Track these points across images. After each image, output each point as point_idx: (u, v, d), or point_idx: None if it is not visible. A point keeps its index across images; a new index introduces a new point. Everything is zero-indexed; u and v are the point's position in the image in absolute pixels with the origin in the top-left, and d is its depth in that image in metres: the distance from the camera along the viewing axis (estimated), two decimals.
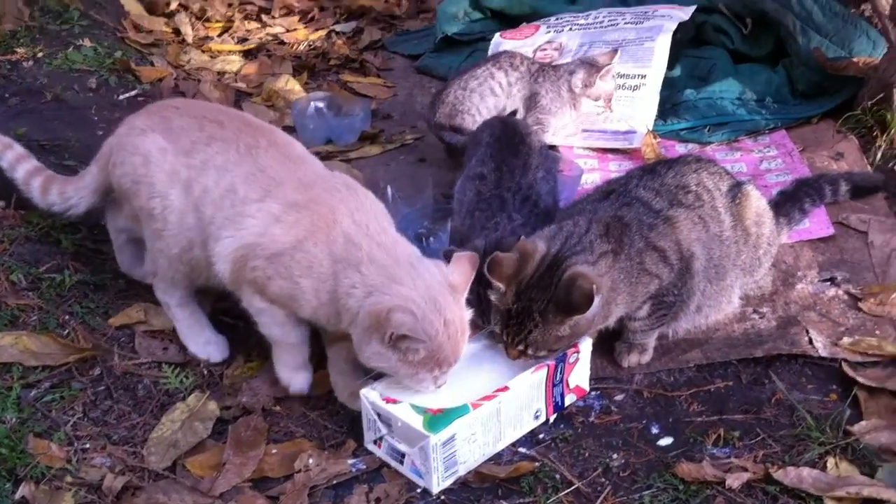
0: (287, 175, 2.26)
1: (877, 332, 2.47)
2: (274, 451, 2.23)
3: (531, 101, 3.54)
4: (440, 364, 2.08)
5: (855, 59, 3.51)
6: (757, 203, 2.53)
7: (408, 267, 2.11)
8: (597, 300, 2.11)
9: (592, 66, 3.57)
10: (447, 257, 2.21)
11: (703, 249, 2.39)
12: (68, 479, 2.12)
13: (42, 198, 2.68)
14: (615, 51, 3.62)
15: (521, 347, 2.19)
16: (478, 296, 2.26)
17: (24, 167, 2.72)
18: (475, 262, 2.18)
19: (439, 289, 2.09)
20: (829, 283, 2.68)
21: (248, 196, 2.22)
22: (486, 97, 3.49)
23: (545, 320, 2.15)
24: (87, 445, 2.22)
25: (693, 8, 3.95)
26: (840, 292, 2.63)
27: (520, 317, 2.16)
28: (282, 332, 2.32)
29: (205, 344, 2.54)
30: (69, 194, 2.65)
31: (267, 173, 2.25)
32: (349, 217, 2.17)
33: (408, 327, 1.99)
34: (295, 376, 2.37)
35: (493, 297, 2.22)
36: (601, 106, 3.60)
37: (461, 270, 2.15)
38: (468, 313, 2.16)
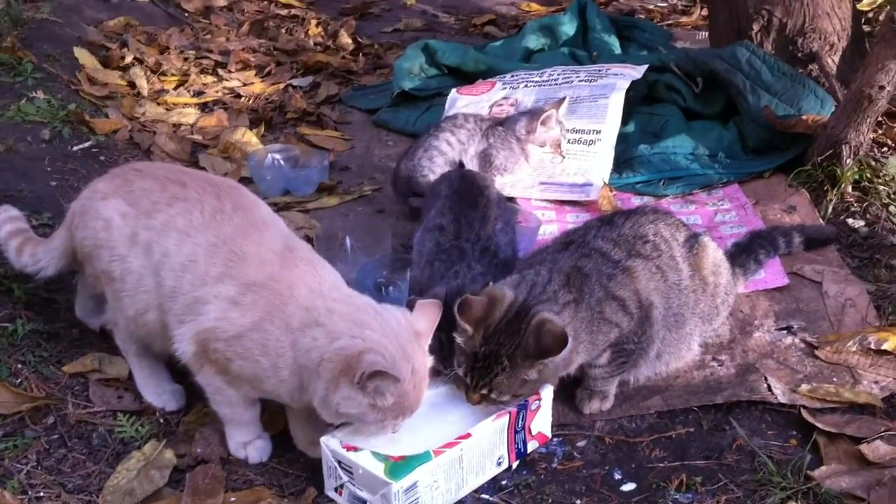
0: (249, 248, 2.21)
1: (834, 379, 2.51)
2: (233, 499, 2.18)
3: (485, 161, 3.58)
4: (404, 412, 2.08)
5: (804, 117, 3.59)
6: (714, 254, 2.57)
7: (373, 314, 2.11)
8: (569, 343, 2.12)
9: (534, 113, 3.64)
10: (411, 308, 2.20)
11: (662, 298, 2.42)
12: None
13: (17, 258, 2.64)
14: (562, 100, 3.69)
15: (484, 391, 2.18)
16: (440, 341, 2.26)
17: (6, 228, 2.68)
18: (439, 309, 2.18)
19: (406, 337, 2.08)
20: (785, 331, 2.72)
21: (208, 272, 2.18)
22: (434, 158, 3.52)
23: (513, 364, 2.15)
24: (42, 494, 2.15)
25: (645, 67, 4.04)
26: (797, 340, 2.67)
27: (487, 360, 2.16)
28: (232, 412, 2.30)
29: (161, 393, 2.50)
30: (39, 256, 2.61)
31: (229, 246, 2.21)
32: (305, 288, 2.15)
33: (381, 365, 1.97)
34: (250, 448, 2.33)
35: (459, 340, 2.21)
36: (550, 152, 3.64)
37: (426, 318, 2.15)
38: (430, 360, 2.15)
